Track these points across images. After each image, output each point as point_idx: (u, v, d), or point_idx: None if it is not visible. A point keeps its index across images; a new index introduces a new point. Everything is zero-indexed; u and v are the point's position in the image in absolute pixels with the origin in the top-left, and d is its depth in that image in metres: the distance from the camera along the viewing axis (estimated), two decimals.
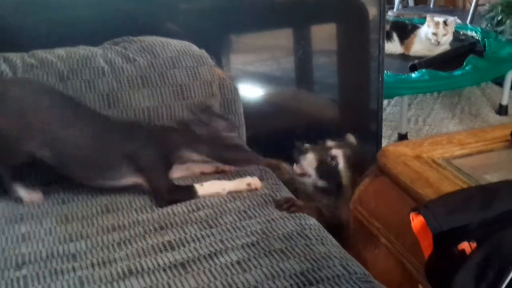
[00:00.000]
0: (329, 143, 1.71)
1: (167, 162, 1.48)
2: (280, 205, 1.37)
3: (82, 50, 1.63)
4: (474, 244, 0.97)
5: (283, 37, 2.28)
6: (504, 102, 3.21)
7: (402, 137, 2.91)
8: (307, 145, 1.72)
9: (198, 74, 1.62)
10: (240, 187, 1.45)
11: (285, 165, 1.70)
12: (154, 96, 1.56)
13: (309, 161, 1.66)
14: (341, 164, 1.62)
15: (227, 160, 1.52)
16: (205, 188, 1.44)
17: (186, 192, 1.44)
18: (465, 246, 0.97)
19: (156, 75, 1.59)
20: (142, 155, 1.43)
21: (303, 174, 1.66)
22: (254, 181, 1.47)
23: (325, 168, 1.64)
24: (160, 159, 1.45)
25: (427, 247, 1.06)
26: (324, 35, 2.35)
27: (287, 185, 1.56)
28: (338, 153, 1.64)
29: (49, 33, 1.78)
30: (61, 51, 1.62)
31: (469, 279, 0.93)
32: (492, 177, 1.18)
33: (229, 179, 1.49)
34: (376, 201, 1.29)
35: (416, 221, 1.05)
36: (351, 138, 1.74)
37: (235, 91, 1.74)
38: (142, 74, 1.58)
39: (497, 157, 1.28)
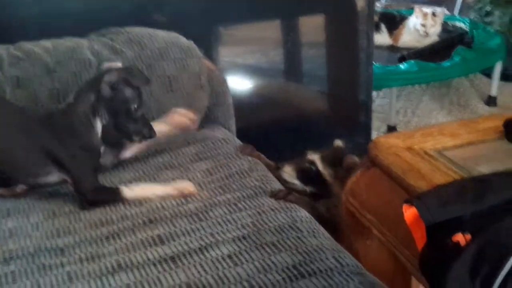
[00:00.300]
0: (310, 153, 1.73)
1: (93, 155, 1.40)
2: (276, 193, 1.36)
3: (69, 41, 1.61)
4: (468, 236, 0.96)
5: (272, 29, 2.27)
6: (493, 93, 3.22)
7: (391, 129, 2.91)
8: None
9: (187, 66, 1.60)
10: (171, 192, 1.37)
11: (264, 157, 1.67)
12: (142, 88, 1.54)
13: (289, 174, 1.67)
14: (320, 165, 1.64)
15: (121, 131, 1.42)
16: (134, 191, 1.37)
17: (111, 194, 1.37)
18: (460, 238, 0.96)
19: (144, 67, 1.57)
20: (61, 149, 1.36)
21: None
22: (187, 186, 1.39)
23: (306, 174, 1.65)
24: (83, 152, 1.38)
25: (420, 239, 1.05)
26: (313, 26, 2.34)
27: None
28: (314, 157, 1.66)
29: (35, 24, 1.75)
30: (47, 43, 1.59)
31: (465, 271, 0.92)
32: (484, 169, 1.17)
33: (160, 183, 1.42)
34: (368, 193, 1.28)
35: (409, 212, 1.04)
36: (339, 143, 1.75)
37: (224, 82, 1.73)
38: (129, 65, 1.55)
39: (489, 148, 1.27)
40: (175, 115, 1.52)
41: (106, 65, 1.42)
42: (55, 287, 1.09)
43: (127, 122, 1.39)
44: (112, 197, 1.36)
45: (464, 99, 3.31)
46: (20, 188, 1.41)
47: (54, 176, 1.39)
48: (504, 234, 0.94)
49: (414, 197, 1.02)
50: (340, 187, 1.49)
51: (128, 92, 1.37)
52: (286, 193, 1.37)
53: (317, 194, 1.62)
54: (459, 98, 3.33)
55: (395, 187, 1.20)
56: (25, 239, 1.25)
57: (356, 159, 1.62)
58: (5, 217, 1.33)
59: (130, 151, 1.52)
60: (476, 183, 1.04)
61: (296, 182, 1.65)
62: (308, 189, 1.64)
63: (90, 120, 1.38)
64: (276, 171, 1.61)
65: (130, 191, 1.37)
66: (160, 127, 1.47)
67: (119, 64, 1.43)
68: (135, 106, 1.38)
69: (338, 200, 1.48)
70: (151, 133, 1.42)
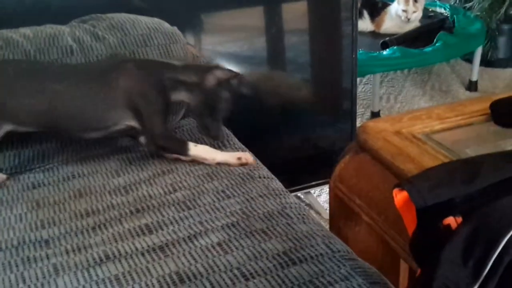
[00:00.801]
0: None
1: (164, 103, 1.44)
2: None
3: (49, 28, 1.57)
4: (459, 219, 0.95)
5: (255, 16, 2.24)
6: (474, 78, 3.24)
7: (375, 115, 2.92)
8: None
9: (171, 52, 1.57)
10: (230, 160, 1.43)
11: None
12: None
13: None
14: None
15: (207, 121, 1.46)
16: (198, 150, 1.43)
17: (179, 145, 1.43)
18: (451, 221, 0.96)
19: (127, 54, 1.53)
20: (140, 94, 1.40)
21: None
22: (246, 156, 1.45)
23: None
24: (158, 98, 1.42)
25: (410, 223, 1.05)
26: (296, 13, 2.32)
27: None
28: None
29: (14, 12, 1.70)
30: (27, 30, 1.55)
31: (456, 254, 0.91)
32: (472, 151, 1.17)
33: (221, 149, 1.48)
34: (357, 178, 1.28)
35: (399, 197, 1.04)
36: None
37: None
38: (112, 52, 1.53)
39: (476, 130, 1.27)
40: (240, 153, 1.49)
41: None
42: (40, 280, 1.07)
43: (207, 117, 1.44)
44: (180, 148, 1.43)
45: (445, 85, 3.34)
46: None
47: (122, 124, 1.42)
48: (496, 216, 0.94)
49: (404, 181, 1.01)
50: None
51: (227, 94, 1.42)
52: None
53: None
54: (441, 84, 3.35)
55: (384, 171, 1.20)
56: (8, 231, 1.22)
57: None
58: None
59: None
60: (466, 165, 1.04)
61: None
62: None
63: (179, 89, 1.42)
64: None
65: (195, 149, 1.42)
66: (224, 156, 1.45)
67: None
68: (223, 108, 1.43)
69: None
70: (218, 136, 1.48)
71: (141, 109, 1.40)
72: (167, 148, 1.43)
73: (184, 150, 1.42)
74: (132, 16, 1.63)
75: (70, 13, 1.69)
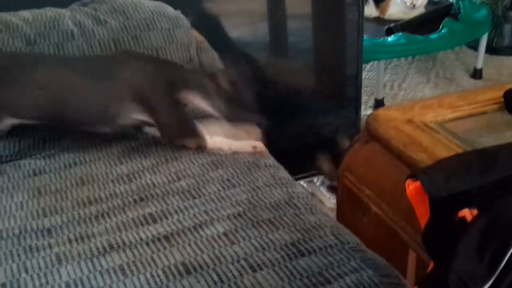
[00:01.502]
0: None
1: (176, 95, 1.39)
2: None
3: (49, 12, 1.53)
4: (475, 211, 0.93)
5: (258, 1, 2.20)
6: (479, 65, 3.20)
7: (379, 102, 2.88)
8: None
9: (175, 37, 1.54)
10: (246, 148, 1.41)
11: None
12: None
13: None
14: None
15: (231, 119, 1.43)
16: (214, 142, 1.40)
17: (195, 137, 1.40)
18: (466, 213, 0.93)
19: (130, 38, 1.50)
20: (149, 87, 1.36)
21: None
22: (260, 145, 1.43)
23: None
24: (169, 91, 1.38)
25: (423, 214, 1.02)
26: None
27: None
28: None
29: None
30: (26, 14, 1.51)
31: (472, 247, 0.89)
32: (486, 140, 1.14)
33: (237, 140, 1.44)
34: (366, 167, 1.25)
35: (412, 187, 1.01)
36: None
37: (213, 55, 1.66)
38: (114, 37, 1.49)
39: (490, 119, 1.24)
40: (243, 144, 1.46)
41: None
42: (43, 269, 1.04)
43: (237, 114, 1.40)
44: (197, 140, 1.40)
45: (449, 72, 3.30)
46: None
47: (130, 117, 1.39)
48: None
49: (418, 172, 0.98)
50: None
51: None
52: None
53: None
54: (445, 71, 3.31)
55: (395, 161, 1.17)
56: (9, 219, 1.19)
57: None
58: None
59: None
60: (482, 156, 1.01)
61: None
62: None
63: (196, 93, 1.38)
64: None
65: (211, 141, 1.40)
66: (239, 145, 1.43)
67: None
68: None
69: None
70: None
71: (152, 102, 1.36)
72: (183, 140, 1.40)
73: (202, 143, 1.39)
74: None
75: None
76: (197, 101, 1.40)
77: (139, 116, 1.39)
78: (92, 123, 1.41)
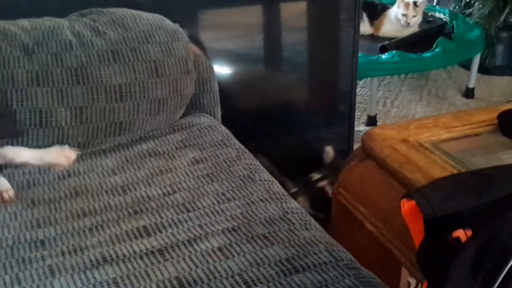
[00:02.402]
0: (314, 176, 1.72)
1: None
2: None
3: (48, 21, 1.52)
4: (469, 232, 0.93)
5: (253, 14, 2.21)
6: (471, 85, 3.23)
7: (371, 118, 2.90)
8: (294, 190, 1.73)
9: (173, 50, 1.54)
10: (58, 159, 1.28)
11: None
12: (126, 72, 1.47)
13: (301, 204, 1.62)
14: (329, 191, 1.61)
15: None
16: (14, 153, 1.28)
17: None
18: (460, 233, 0.94)
19: (128, 50, 1.50)
20: None
21: None
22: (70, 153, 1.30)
23: (318, 202, 1.68)
24: None
25: (417, 233, 1.02)
26: (296, 13, 2.30)
27: None
28: (324, 184, 1.66)
29: (11, 2, 1.66)
30: (24, 22, 1.51)
31: (466, 268, 0.90)
32: (480, 162, 1.15)
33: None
34: (362, 185, 1.25)
35: (407, 206, 1.01)
36: (330, 151, 1.74)
37: (210, 69, 1.67)
38: (113, 48, 1.49)
39: (483, 141, 1.26)
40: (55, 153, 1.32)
41: None
42: (36, 281, 1.03)
43: None
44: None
45: (442, 91, 3.33)
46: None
47: None
48: (507, 230, 0.92)
49: (414, 191, 0.99)
50: None
51: None
52: None
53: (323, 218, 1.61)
54: (437, 90, 3.34)
55: (390, 179, 1.17)
56: (2, 229, 1.18)
57: None
58: None
59: None
60: (477, 177, 1.02)
61: (310, 211, 1.65)
62: (320, 216, 1.63)
63: None
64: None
65: (11, 151, 1.27)
66: (31, 154, 1.29)
67: None
68: None
69: None
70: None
71: None
72: None
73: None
74: (133, 11, 1.60)
75: (68, 5, 1.65)
76: None
77: None
78: None
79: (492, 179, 0.99)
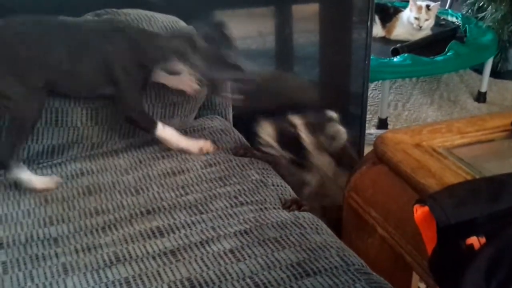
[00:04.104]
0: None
1: (144, 77, 1.43)
2: (288, 206, 1.29)
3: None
4: (483, 239, 0.93)
5: (267, 15, 2.21)
6: (483, 89, 3.21)
7: (382, 121, 2.89)
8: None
9: None
10: (192, 149, 1.46)
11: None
12: None
13: (267, 132, 1.57)
14: (303, 132, 1.53)
15: (215, 79, 1.45)
16: (165, 132, 1.45)
17: (148, 123, 1.45)
18: (474, 240, 0.94)
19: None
20: (117, 62, 1.38)
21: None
22: (206, 146, 1.47)
23: (286, 138, 1.54)
24: (137, 69, 1.40)
25: (430, 240, 1.02)
26: (309, 15, 2.30)
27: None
28: (297, 121, 1.55)
29: (26, 2, 1.67)
30: None
31: (479, 276, 0.89)
32: (493, 168, 1.14)
33: (186, 135, 1.51)
34: (374, 189, 1.25)
35: (420, 212, 1.01)
36: (331, 113, 1.63)
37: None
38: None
39: (497, 146, 1.25)
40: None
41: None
42: (49, 279, 1.04)
43: (221, 70, 1.40)
44: (148, 126, 1.45)
45: (453, 95, 3.31)
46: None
47: (104, 88, 1.41)
48: None
49: (427, 197, 0.99)
50: (321, 158, 1.45)
51: (221, 41, 1.40)
52: (299, 206, 1.29)
53: (296, 161, 1.53)
54: (449, 93, 3.32)
55: (403, 184, 1.17)
56: (15, 226, 1.20)
57: (341, 128, 1.54)
58: None
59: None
60: (491, 184, 1.01)
61: (274, 144, 1.54)
62: (286, 154, 1.53)
63: (169, 58, 1.41)
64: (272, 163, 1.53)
65: (162, 131, 1.44)
66: (188, 143, 1.49)
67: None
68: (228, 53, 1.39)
69: (319, 172, 1.43)
70: (240, 75, 1.40)
71: (119, 79, 1.38)
72: (136, 122, 1.45)
73: (151, 128, 1.44)
74: (148, 12, 1.60)
75: (83, 6, 1.66)
76: (174, 66, 1.42)
77: (107, 90, 1.40)
78: (77, 90, 1.43)
79: (506, 186, 0.99)
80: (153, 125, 1.44)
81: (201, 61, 1.38)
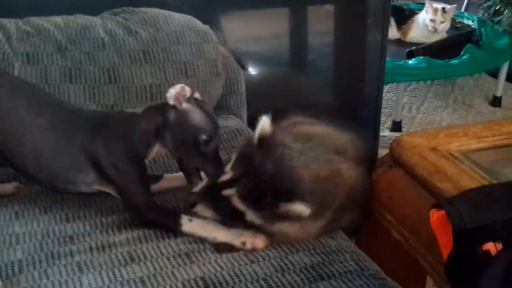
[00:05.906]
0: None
1: (140, 169, 1.20)
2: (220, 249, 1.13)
3: (80, 19, 1.55)
4: (499, 245, 0.93)
5: (281, 17, 2.21)
6: (498, 93, 3.20)
7: (396, 124, 2.88)
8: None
9: (203, 52, 1.55)
10: (234, 242, 1.13)
11: None
12: (157, 73, 1.49)
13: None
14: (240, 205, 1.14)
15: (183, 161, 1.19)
16: (193, 226, 1.16)
17: (169, 219, 1.18)
18: (490, 246, 0.93)
19: (159, 50, 1.51)
20: (105, 158, 1.17)
21: None
22: (255, 241, 1.13)
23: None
24: (132, 162, 1.18)
25: (446, 244, 1.02)
26: (324, 16, 2.29)
27: None
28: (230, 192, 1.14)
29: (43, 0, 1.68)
30: (58, 19, 1.53)
31: (496, 282, 0.89)
32: (510, 173, 1.14)
33: (227, 227, 1.16)
34: (389, 193, 1.25)
35: (436, 216, 1.01)
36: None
37: (238, 70, 1.68)
38: (144, 48, 1.50)
39: None
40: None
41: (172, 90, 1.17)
42: (64, 277, 1.05)
43: (193, 156, 1.16)
44: (171, 222, 1.16)
45: (468, 98, 3.29)
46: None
47: (95, 185, 1.22)
48: None
49: (444, 202, 0.98)
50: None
51: (197, 118, 1.16)
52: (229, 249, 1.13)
53: None
54: (464, 97, 3.30)
55: (419, 188, 1.17)
56: (32, 222, 1.20)
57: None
58: (11, 199, 1.27)
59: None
60: (507, 189, 1.01)
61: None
62: None
63: (149, 140, 1.19)
64: None
65: (188, 225, 1.16)
66: (227, 235, 1.16)
67: (187, 89, 1.18)
68: (205, 137, 1.15)
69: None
70: (217, 173, 1.14)
71: (115, 180, 1.19)
72: (155, 223, 1.18)
73: (175, 226, 1.16)
74: (165, 11, 1.61)
75: (100, 4, 1.67)
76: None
77: (104, 188, 1.22)
78: (53, 181, 1.22)
79: None
80: (176, 219, 1.16)
81: (170, 138, 1.17)
